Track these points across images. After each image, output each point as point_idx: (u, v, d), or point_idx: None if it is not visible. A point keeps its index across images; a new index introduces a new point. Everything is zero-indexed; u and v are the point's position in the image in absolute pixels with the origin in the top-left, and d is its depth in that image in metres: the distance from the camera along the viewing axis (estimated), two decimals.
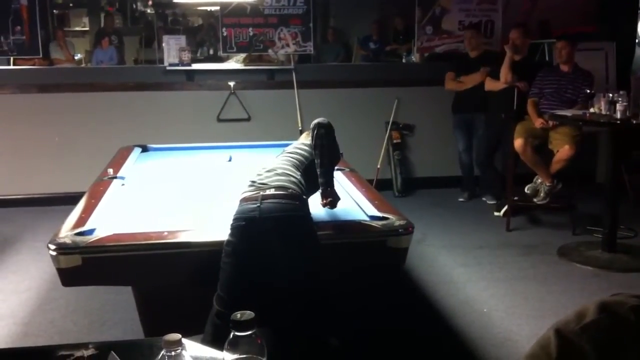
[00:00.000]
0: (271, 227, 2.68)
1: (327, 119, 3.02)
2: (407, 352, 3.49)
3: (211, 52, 10.44)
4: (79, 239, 2.76)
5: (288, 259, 2.72)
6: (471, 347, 3.55)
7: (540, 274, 4.65)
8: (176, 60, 6.68)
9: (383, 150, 6.98)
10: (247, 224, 2.69)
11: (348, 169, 4.19)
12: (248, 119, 6.73)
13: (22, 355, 1.80)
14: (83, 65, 9.05)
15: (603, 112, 4.89)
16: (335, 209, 3.03)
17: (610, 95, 4.93)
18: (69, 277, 2.74)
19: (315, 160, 2.97)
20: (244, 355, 1.28)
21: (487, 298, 4.20)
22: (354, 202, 3.43)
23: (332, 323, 2.95)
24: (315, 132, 2.96)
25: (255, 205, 2.71)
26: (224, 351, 1.29)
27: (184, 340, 1.30)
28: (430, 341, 3.64)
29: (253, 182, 2.91)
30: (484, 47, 6.59)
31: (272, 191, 2.76)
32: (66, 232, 2.84)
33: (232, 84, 6.71)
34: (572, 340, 0.86)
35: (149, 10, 11.84)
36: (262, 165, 3.05)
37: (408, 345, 3.56)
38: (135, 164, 4.56)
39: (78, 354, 1.55)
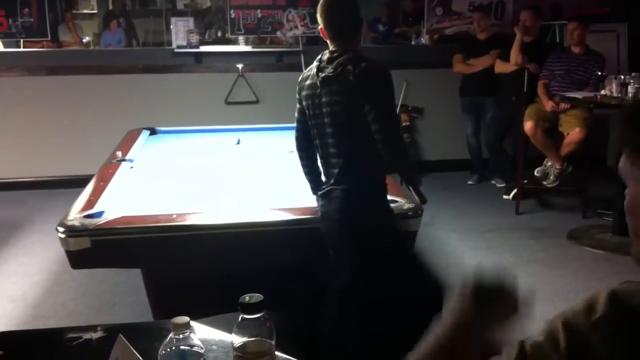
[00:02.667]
0: (335, 227, 2.75)
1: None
2: (417, 335, 3.48)
3: (219, 34, 10.39)
4: (87, 221, 2.76)
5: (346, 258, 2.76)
6: None
7: (550, 257, 4.63)
8: (184, 43, 6.66)
9: None
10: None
11: None
12: (256, 102, 6.71)
13: (31, 338, 1.81)
14: (91, 47, 9.03)
15: (614, 94, 4.84)
16: None
17: (622, 77, 4.88)
18: (78, 259, 2.75)
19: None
20: (253, 338, 1.28)
21: None
22: None
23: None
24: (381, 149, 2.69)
25: (324, 203, 2.80)
26: (233, 334, 1.29)
27: (193, 323, 1.30)
28: None
29: (326, 160, 2.83)
30: (493, 30, 6.53)
31: (338, 193, 2.75)
32: (75, 214, 2.84)
33: (240, 66, 6.69)
34: (582, 333, 0.85)
35: None
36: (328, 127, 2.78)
37: (418, 329, 3.55)
38: (143, 147, 4.56)
39: (86, 336, 1.55)
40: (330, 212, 2.77)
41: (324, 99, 2.74)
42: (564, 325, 0.87)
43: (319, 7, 2.80)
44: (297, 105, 2.90)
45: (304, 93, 2.83)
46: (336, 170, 2.77)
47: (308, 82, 2.81)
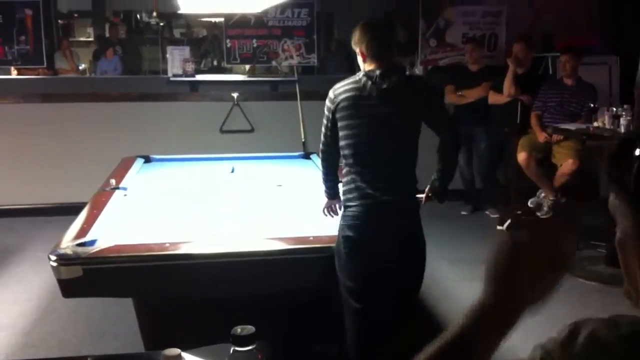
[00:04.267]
0: (405, 239, 2.94)
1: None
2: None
3: (215, 63, 10.47)
4: (80, 249, 2.75)
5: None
6: None
7: None
8: (180, 71, 6.69)
9: None
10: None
11: None
12: (251, 130, 6.73)
13: None
14: (87, 75, 9.06)
15: (607, 126, 4.89)
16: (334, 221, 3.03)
17: (614, 109, 4.93)
18: (69, 288, 2.73)
19: (438, 166, 3.17)
20: None
21: None
22: None
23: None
24: (448, 146, 3.11)
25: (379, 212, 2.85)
26: None
27: (184, 354, 1.29)
28: None
29: (374, 170, 2.88)
30: (484, 62, 6.59)
31: (405, 204, 2.97)
32: (67, 242, 2.83)
33: (235, 95, 6.71)
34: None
35: (152, 22, 11.88)
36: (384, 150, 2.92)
37: None
38: (137, 175, 4.56)
39: None
40: (394, 222, 2.89)
41: (382, 111, 2.82)
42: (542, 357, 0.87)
43: (361, 30, 2.88)
44: (326, 122, 2.97)
45: (343, 104, 2.85)
46: (392, 181, 2.91)
47: (351, 94, 2.85)
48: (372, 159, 2.87)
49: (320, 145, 3.09)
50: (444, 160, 3.14)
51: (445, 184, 3.18)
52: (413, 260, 2.95)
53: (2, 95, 6.47)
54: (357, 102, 2.83)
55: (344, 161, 2.95)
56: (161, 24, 11.24)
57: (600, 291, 4.56)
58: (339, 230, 2.89)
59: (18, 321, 4.01)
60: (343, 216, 2.93)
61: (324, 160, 3.14)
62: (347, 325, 2.87)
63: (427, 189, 3.18)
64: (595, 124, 5.03)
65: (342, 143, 2.91)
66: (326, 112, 2.95)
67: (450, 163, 3.18)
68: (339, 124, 2.89)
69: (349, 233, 2.82)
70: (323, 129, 3.01)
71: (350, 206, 2.87)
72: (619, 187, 0.86)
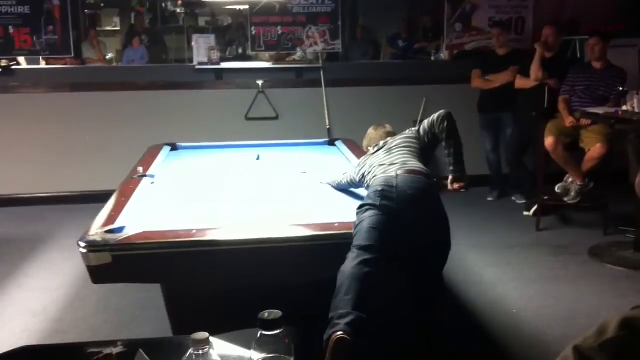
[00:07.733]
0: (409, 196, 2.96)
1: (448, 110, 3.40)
2: (434, 351, 3.46)
3: (240, 51, 10.48)
4: (109, 236, 2.78)
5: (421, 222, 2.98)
6: (500, 348, 3.51)
7: (571, 274, 4.59)
8: (205, 59, 6.72)
9: None
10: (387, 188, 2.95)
11: None
12: (276, 118, 6.74)
13: (53, 352, 1.83)
14: (114, 64, 9.14)
15: (636, 110, 4.81)
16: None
17: None
18: (99, 274, 2.76)
19: (446, 150, 3.30)
20: (271, 355, 1.28)
21: (516, 298, 4.16)
22: None
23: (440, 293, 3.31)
24: (443, 123, 3.30)
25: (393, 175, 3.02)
26: (252, 350, 1.30)
27: (212, 339, 1.31)
28: (458, 341, 3.60)
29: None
30: (512, 46, 6.52)
31: (404, 170, 3.06)
32: (96, 229, 2.86)
33: (260, 82, 6.73)
34: (590, 356, 0.84)
35: (178, 10, 11.94)
36: (384, 161, 3.25)
37: (435, 345, 3.53)
38: (164, 163, 4.60)
39: (107, 351, 1.56)
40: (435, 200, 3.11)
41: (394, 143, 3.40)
42: (575, 349, 0.87)
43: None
44: (354, 175, 3.45)
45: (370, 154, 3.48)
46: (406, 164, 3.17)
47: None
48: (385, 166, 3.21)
49: (348, 179, 3.53)
50: (441, 133, 3.31)
51: (458, 159, 3.30)
52: (439, 229, 3.16)
53: (32, 85, 6.56)
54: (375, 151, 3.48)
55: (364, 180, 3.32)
56: (186, 12, 11.30)
57: (630, 277, 4.52)
58: (365, 198, 3.04)
59: (49, 307, 4.08)
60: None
61: (339, 188, 3.66)
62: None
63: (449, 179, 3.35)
64: (624, 107, 4.96)
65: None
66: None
67: (448, 133, 3.30)
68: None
69: (379, 188, 2.96)
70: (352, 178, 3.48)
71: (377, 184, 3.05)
72: None
